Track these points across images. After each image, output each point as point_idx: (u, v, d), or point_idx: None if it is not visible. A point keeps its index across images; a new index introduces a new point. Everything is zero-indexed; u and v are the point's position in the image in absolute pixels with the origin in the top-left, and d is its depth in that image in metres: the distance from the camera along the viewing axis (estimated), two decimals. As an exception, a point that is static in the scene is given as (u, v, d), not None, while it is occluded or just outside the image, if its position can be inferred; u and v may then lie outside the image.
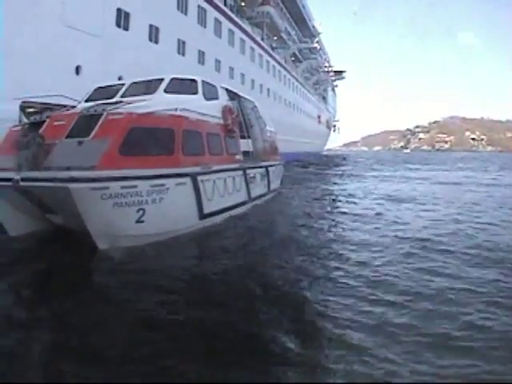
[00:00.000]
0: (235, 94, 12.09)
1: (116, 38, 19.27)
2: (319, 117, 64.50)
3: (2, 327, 4.36)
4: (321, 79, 74.95)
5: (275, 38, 47.61)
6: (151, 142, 7.27)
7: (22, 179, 6.41)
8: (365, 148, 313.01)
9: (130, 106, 7.42)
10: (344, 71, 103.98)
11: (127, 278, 5.72)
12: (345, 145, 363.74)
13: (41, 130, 7.35)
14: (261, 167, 12.28)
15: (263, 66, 39.96)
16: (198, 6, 26.48)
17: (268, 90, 41.05)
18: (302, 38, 66.72)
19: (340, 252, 7.23)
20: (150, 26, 21.76)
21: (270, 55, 42.73)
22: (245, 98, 12.79)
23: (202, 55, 26.65)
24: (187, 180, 7.81)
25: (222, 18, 29.71)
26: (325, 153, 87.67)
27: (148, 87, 9.23)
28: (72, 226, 6.91)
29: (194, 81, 9.91)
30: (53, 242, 7.40)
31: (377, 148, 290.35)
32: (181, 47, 24.33)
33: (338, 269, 6.25)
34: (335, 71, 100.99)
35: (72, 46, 16.32)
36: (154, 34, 22.02)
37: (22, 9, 14.23)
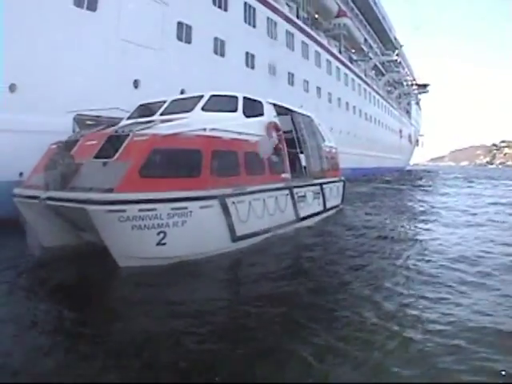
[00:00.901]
0: (287, 109, 11.63)
1: (177, 51, 18.31)
2: (400, 131, 59.94)
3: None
4: (404, 93, 70.42)
5: (353, 50, 44.61)
6: (175, 163, 7.00)
7: (48, 198, 6.57)
8: (452, 163, 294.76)
9: (160, 126, 7.21)
10: (428, 84, 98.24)
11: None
12: (432, 159, 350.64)
13: (73, 150, 7.45)
14: (313, 185, 11.46)
15: (341, 79, 37.18)
16: (268, 19, 24.59)
17: (347, 103, 38.23)
18: (384, 51, 63.47)
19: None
20: (215, 38, 20.28)
21: (349, 68, 39.85)
22: (299, 113, 12.16)
23: (272, 68, 24.61)
24: (214, 202, 7.37)
25: (293, 30, 27.58)
26: (409, 168, 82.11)
27: (187, 105, 8.77)
28: (100, 243, 6.66)
29: (234, 97, 9.42)
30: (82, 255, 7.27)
31: (464, 163, 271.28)
32: (249, 60, 22.52)
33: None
34: (418, 84, 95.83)
35: (129, 60, 15.76)
36: (219, 47, 20.46)
37: (75, 24, 13.78)
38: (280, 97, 23.93)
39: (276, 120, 10.22)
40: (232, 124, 8.41)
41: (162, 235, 6.53)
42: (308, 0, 32.00)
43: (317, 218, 11.43)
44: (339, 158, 14.74)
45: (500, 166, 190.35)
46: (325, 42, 34.11)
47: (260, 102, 10.10)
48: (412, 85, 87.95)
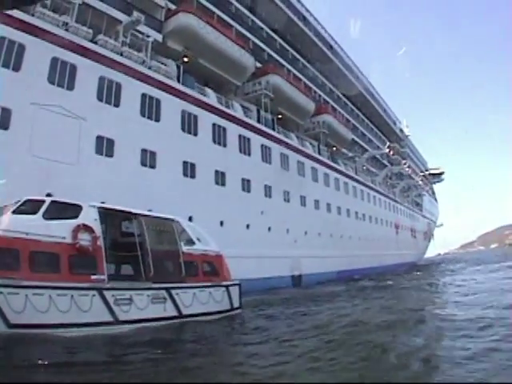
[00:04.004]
0: (131, 213, 12.23)
1: (97, 164, 18.18)
2: (397, 227, 57.51)
3: None
4: (409, 185, 69.05)
5: (335, 147, 44.06)
6: None
7: None
8: (481, 247, 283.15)
9: None
10: (442, 173, 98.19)
11: None
12: (462, 246, 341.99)
13: None
14: (150, 289, 11.45)
15: (319, 179, 36.21)
16: (214, 125, 24.52)
17: (328, 205, 36.94)
18: (389, 143, 63.42)
19: None
20: (144, 150, 19.91)
21: (330, 167, 39.13)
22: (150, 217, 12.74)
23: (221, 176, 23.95)
24: None
25: (249, 134, 27.28)
26: (423, 262, 77.68)
27: (8, 209, 9.92)
28: None
29: (41, 201, 10.36)
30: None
31: (493, 246, 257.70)
32: (188, 169, 21.92)
33: None
34: (433, 174, 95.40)
35: (42, 176, 15.77)
36: (148, 159, 20.01)
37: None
38: (230, 206, 23.61)
39: (94, 224, 10.80)
40: (24, 225, 9.47)
41: None
42: (276, 101, 32.09)
43: (160, 323, 11.26)
44: (224, 262, 14.54)
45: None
46: (294, 141, 33.74)
47: (78, 206, 10.89)
48: (424, 176, 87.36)
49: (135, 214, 12.29)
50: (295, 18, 40.88)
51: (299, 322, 12.44)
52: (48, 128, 16.59)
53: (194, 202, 21.26)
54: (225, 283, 13.97)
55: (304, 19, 43.50)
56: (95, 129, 18.19)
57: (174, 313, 11.91)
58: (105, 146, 18.47)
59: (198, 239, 13.85)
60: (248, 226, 25.03)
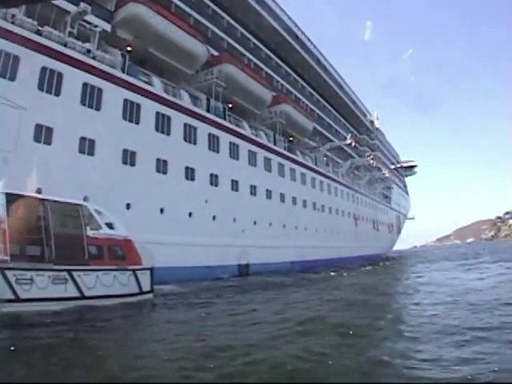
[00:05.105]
0: (36, 198, 13.35)
1: (34, 152, 18.88)
2: (356, 218, 59.18)
3: None
4: (375, 177, 71.13)
5: (293, 137, 45.59)
6: None
7: None
8: (457, 241, 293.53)
9: None
10: (414, 166, 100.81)
11: None
12: (438, 239, 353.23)
13: None
14: (51, 270, 12.53)
15: (272, 169, 37.84)
16: (157, 113, 25.91)
17: (282, 195, 38.58)
18: (354, 135, 65.38)
19: None
20: (82, 138, 21.26)
21: (285, 157, 40.81)
22: (54, 202, 13.59)
23: (162, 164, 25.54)
24: None
25: (195, 122, 28.68)
26: (391, 254, 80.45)
27: None
28: None
29: None
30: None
31: (470, 240, 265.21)
32: (128, 157, 23.43)
33: None
34: (405, 167, 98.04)
35: None
36: (87, 146, 21.42)
37: None
38: (172, 194, 25.20)
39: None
40: None
41: None
42: (229, 91, 33.65)
43: (64, 304, 12.39)
44: (133, 247, 15.62)
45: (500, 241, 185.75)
46: (246, 131, 35.31)
47: None
48: (396, 168, 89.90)
49: (42, 199, 13.39)
50: (257, 7, 42.06)
51: (198, 312, 13.25)
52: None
53: (132, 190, 22.78)
54: (131, 267, 15.04)
55: (269, 9, 44.65)
56: (34, 117, 19.40)
57: (76, 294, 12.97)
58: (43, 135, 19.74)
59: (110, 224, 15.05)
60: (190, 214, 26.68)
